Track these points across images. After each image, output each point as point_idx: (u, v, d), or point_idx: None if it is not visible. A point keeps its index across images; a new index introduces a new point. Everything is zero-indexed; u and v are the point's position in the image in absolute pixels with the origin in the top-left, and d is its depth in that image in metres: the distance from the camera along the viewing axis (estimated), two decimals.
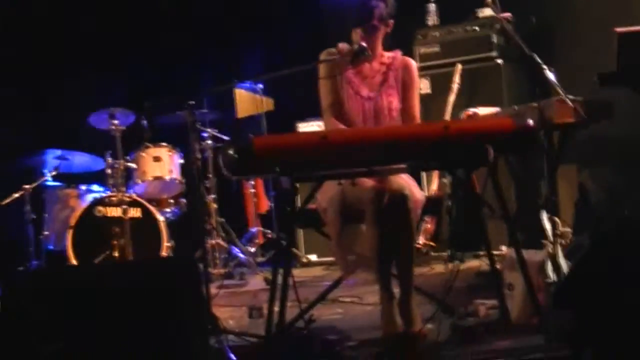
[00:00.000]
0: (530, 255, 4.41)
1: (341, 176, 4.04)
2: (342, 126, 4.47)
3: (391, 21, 4.58)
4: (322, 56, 4.57)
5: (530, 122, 4.02)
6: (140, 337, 3.36)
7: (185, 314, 3.44)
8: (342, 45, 4.55)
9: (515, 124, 3.98)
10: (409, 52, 7.07)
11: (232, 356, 3.86)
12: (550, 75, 4.35)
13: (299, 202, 4.41)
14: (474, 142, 3.88)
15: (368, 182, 4.18)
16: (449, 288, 4.20)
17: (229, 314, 5.27)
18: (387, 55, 4.63)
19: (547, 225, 4.84)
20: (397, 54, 4.66)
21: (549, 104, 4.81)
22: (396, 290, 4.19)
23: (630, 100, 4.92)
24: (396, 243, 4.12)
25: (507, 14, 6.08)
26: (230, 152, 3.79)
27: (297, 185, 3.94)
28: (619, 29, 4.67)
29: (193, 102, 4.22)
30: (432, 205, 4.68)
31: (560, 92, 4.32)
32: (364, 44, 4.41)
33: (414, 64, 4.68)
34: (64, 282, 3.46)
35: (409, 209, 4.10)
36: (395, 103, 4.55)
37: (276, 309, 4.03)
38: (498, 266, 4.43)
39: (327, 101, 4.56)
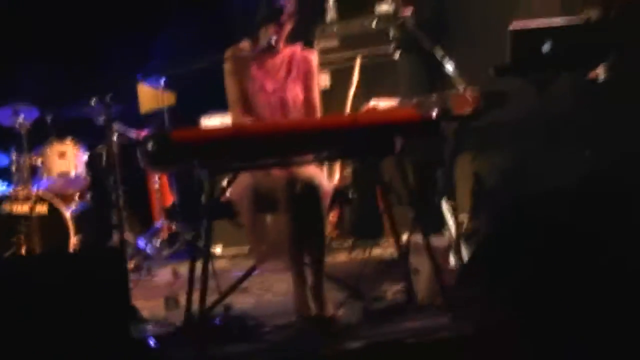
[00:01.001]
0: (433, 240, 4.64)
1: (255, 167, 4.19)
2: (249, 120, 4.63)
3: (296, 17, 4.75)
4: (228, 53, 4.71)
5: (434, 113, 4.24)
6: (63, 329, 3.45)
7: (109, 305, 3.53)
8: (245, 43, 4.72)
9: (421, 115, 4.18)
10: (308, 47, 7.28)
11: (154, 343, 3.97)
12: (450, 68, 4.57)
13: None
14: (382, 132, 4.07)
15: (279, 172, 4.34)
16: (361, 273, 4.40)
17: (142, 305, 5.36)
18: (289, 48, 4.79)
19: (447, 212, 5.09)
20: (298, 47, 4.83)
21: (447, 95, 5.07)
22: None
23: (520, 90, 5.19)
24: (308, 231, 4.29)
25: (408, 9, 6.32)
26: (149, 145, 3.90)
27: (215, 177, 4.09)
28: (512, 26, 4.94)
29: (111, 95, 4.32)
30: (338, 195, 4.86)
31: (460, 84, 4.55)
32: (272, 40, 4.58)
33: (314, 56, 4.85)
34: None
35: (319, 197, 4.28)
36: (300, 95, 4.73)
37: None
38: None
39: (234, 97, 4.70)
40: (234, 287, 4.65)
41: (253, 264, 4.72)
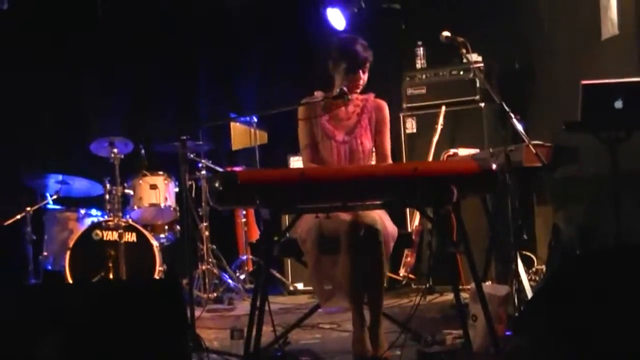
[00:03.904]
0: (495, 289, 4.72)
1: (317, 210, 4.35)
2: (315, 166, 4.81)
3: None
4: (302, 101, 4.92)
5: (493, 165, 4.33)
6: (125, 350, 3.63)
7: (169, 332, 3.71)
8: (318, 93, 4.91)
9: (479, 167, 4.28)
10: (397, 93, 7.46)
11: None
12: (517, 123, 4.66)
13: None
14: (441, 183, 4.19)
15: (344, 215, 4.49)
16: (412, 314, 4.50)
17: (214, 335, 5.59)
18: (361, 97, 4.94)
19: (518, 261, 5.15)
20: (370, 96, 4.98)
21: (520, 148, 5.17)
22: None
23: (594, 147, 5.23)
24: (368, 273, 4.43)
25: (479, 64, 6.46)
26: (216, 184, 4.12)
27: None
28: (584, 82, 5.01)
29: (185, 138, 4.57)
30: (405, 239, 4.98)
31: (525, 139, 4.64)
32: (345, 88, 4.75)
33: (385, 106, 4.99)
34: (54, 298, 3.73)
35: (380, 241, 4.41)
36: (368, 144, 4.88)
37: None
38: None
39: (304, 143, 4.93)
40: (295, 325, 4.83)
41: (317, 303, 4.87)
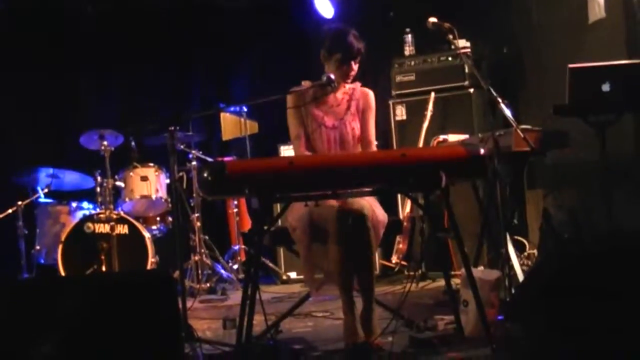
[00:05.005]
0: (486, 273, 4.72)
1: (307, 198, 4.35)
2: (308, 154, 4.83)
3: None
4: (290, 92, 4.92)
5: (481, 150, 4.34)
6: (117, 341, 3.63)
7: (161, 322, 3.71)
8: (306, 83, 4.91)
9: (467, 152, 4.29)
10: (386, 80, 7.46)
11: None
12: (504, 108, 4.66)
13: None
14: (429, 169, 4.20)
15: (332, 202, 4.49)
16: (403, 301, 4.51)
17: (207, 325, 5.60)
18: (349, 86, 4.96)
19: (509, 246, 5.15)
20: (357, 85, 5.01)
21: (509, 133, 5.16)
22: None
23: (582, 130, 5.24)
24: (357, 259, 4.43)
25: (466, 50, 6.46)
26: (205, 174, 4.12)
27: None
28: (571, 65, 5.02)
29: (173, 128, 4.57)
30: (395, 226, 4.98)
31: (513, 124, 4.64)
32: (332, 75, 4.76)
33: (371, 94, 5.01)
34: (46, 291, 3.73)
35: (367, 227, 4.41)
36: (358, 129, 4.91)
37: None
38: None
39: (295, 132, 4.93)
40: (287, 313, 4.84)
41: (308, 291, 4.88)
